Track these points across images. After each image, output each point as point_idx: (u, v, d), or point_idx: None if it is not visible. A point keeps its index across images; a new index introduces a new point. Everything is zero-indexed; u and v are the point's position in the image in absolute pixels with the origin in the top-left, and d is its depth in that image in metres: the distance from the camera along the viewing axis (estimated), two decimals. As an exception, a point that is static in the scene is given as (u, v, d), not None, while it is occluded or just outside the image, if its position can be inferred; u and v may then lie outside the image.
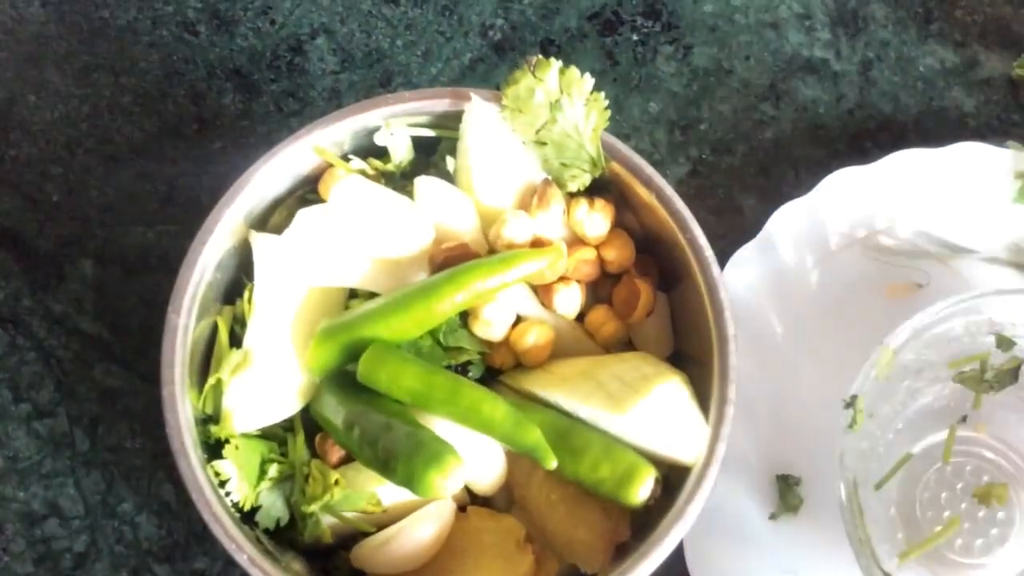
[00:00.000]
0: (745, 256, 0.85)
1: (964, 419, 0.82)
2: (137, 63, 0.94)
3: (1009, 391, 0.80)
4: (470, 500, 0.72)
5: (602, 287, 0.75)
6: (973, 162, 0.89)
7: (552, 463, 0.65)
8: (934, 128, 0.95)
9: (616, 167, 0.73)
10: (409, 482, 0.64)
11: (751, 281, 0.84)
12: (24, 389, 0.85)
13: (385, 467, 0.65)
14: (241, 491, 0.68)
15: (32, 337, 0.86)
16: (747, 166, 0.93)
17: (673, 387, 0.69)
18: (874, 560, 0.76)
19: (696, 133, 0.94)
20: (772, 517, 0.81)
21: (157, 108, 0.93)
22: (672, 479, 0.69)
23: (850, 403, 0.78)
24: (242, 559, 0.65)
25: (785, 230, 0.86)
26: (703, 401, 0.70)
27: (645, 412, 0.68)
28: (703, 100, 0.95)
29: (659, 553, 0.66)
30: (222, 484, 0.68)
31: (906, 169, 0.88)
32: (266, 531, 0.70)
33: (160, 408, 0.83)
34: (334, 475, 0.68)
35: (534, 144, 0.73)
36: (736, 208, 0.91)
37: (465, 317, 0.72)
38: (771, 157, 0.94)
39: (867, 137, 0.94)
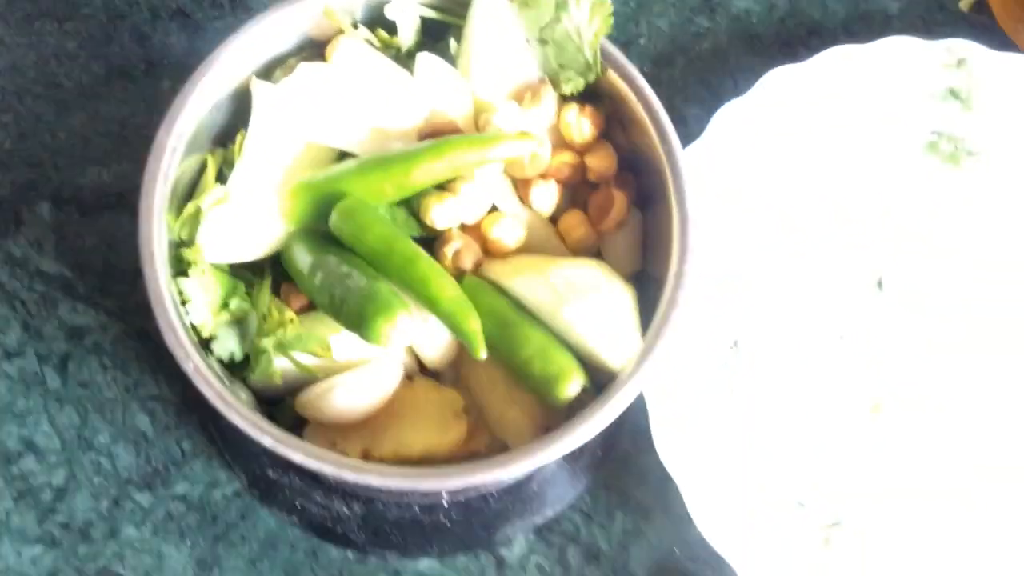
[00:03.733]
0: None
1: (841, 337, 0.86)
2: (79, 8, 0.94)
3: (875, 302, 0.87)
4: (419, 371, 0.73)
5: (580, 195, 0.77)
6: (903, 56, 0.92)
7: (481, 355, 0.66)
8: (862, 30, 0.98)
9: (612, 77, 0.74)
10: (358, 327, 0.65)
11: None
12: (-10, 333, 0.85)
13: (339, 312, 0.66)
14: (200, 315, 0.69)
15: (-6, 282, 0.86)
16: (687, 77, 0.96)
17: (617, 296, 0.71)
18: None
19: (636, 48, 0.96)
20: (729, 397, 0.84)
21: (103, 52, 0.93)
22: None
23: (734, 346, 0.84)
24: (188, 367, 0.65)
25: (727, 129, 0.89)
26: (651, 314, 0.71)
27: (582, 313, 0.69)
28: (641, 16, 0.97)
29: (581, 434, 0.66)
30: (183, 303, 0.68)
31: (839, 65, 0.92)
32: (220, 362, 0.71)
33: (129, 342, 0.86)
34: (290, 313, 0.69)
35: (537, 42, 0.74)
36: (680, 118, 0.93)
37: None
38: (709, 67, 0.96)
39: (799, 43, 0.97)
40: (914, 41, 0.92)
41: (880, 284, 0.88)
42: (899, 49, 0.92)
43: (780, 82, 0.91)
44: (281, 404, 0.72)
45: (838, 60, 0.92)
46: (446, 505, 0.80)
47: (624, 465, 0.85)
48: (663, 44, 0.97)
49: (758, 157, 0.90)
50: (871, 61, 0.92)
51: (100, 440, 0.83)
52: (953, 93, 0.92)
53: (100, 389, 0.84)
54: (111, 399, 0.84)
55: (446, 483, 0.64)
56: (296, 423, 0.71)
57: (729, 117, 0.90)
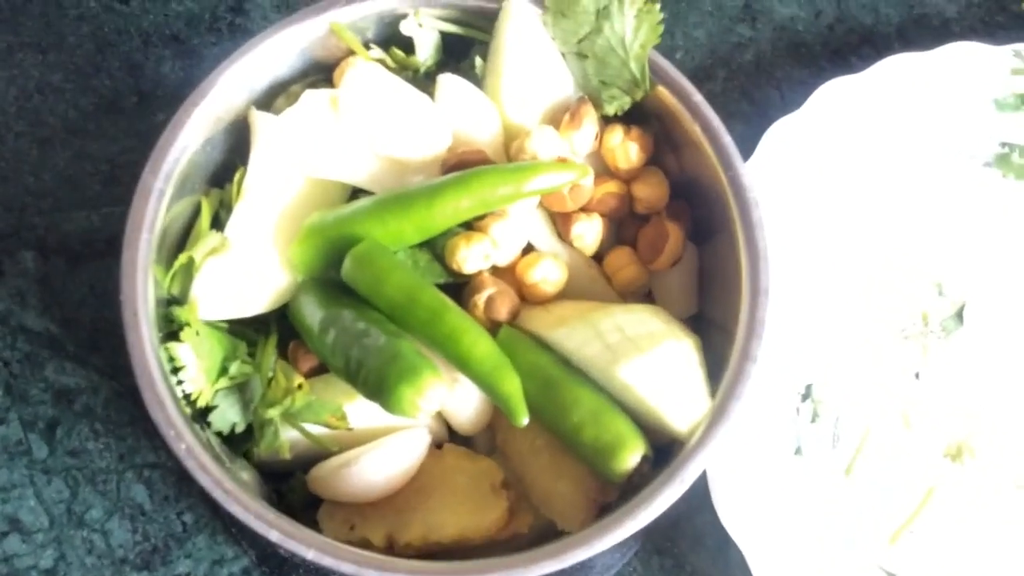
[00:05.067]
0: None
1: (917, 376, 0.79)
2: (65, 38, 0.88)
3: (957, 337, 0.80)
4: (448, 438, 0.66)
5: (627, 229, 0.69)
6: (965, 63, 0.85)
7: (523, 420, 0.59)
8: (917, 37, 0.91)
9: (662, 94, 0.67)
10: (379, 394, 0.58)
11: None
12: (-31, 398, 0.79)
13: (356, 377, 0.59)
14: (196, 383, 0.62)
15: (-27, 340, 0.80)
16: (729, 91, 0.90)
17: (681, 348, 0.63)
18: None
19: (672, 61, 0.88)
20: (797, 452, 0.76)
21: (91, 84, 0.87)
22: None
23: (807, 394, 0.76)
24: (180, 448, 0.58)
25: (778, 149, 0.82)
26: (721, 363, 0.63)
27: (642, 372, 0.61)
28: (676, 27, 0.91)
29: (644, 516, 0.59)
30: (175, 371, 0.61)
31: (897, 76, 0.85)
32: (219, 436, 0.64)
33: (123, 403, 0.78)
34: (298, 378, 0.62)
35: (574, 56, 0.68)
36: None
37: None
38: (753, 80, 0.90)
39: (850, 51, 0.91)
40: (977, 47, 0.86)
41: (960, 316, 0.80)
42: (962, 56, 0.86)
43: (834, 96, 0.84)
44: (291, 479, 0.65)
45: (896, 70, 0.85)
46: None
47: (677, 527, 0.77)
48: (702, 56, 0.90)
49: (813, 179, 0.82)
50: (932, 70, 0.85)
51: (92, 515, 0.77)
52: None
53: (92, 458, 0.78)
54: (104, 469, 0.78)
55: (489, 580, 0.56)
56: (309, 501, 0.64)
57: (780, 135, 0.82)
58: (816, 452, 0.77)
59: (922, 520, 0.75)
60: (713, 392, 0.61)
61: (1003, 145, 0.85)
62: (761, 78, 0.90)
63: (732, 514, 0.72)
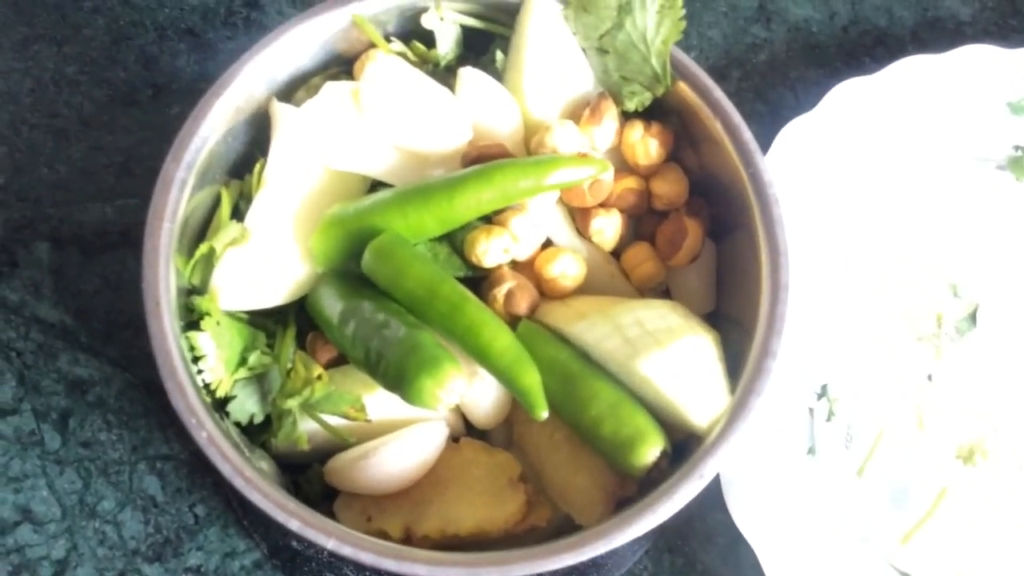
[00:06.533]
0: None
1: (930, 377, 0.79)
2: (80, 30, 0.87)
3: (970, 338, 0.79)
4: (465, 432, 0.66)
5: (646, 225, 0.69)
6: (979, 66, 0.85)
7: (542, 414, 0.58)
8: (932, 39, 0.91)
9: (682, 90, 0.67)
10: (399, 386, 0.57)
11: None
12: (-18, 388, 0.78)
13: (376, 368, 0.58)
14: (215, 373, 0.61)
15: (-13, 330, 0.79)
16: (744, 92, 0.89)
17: (700, 343, 0.62)
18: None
19: (687, 62, 0.89)
20: (809, 452, 0.76)
21: (106, 76, 0.86)
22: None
23: (822, 393, 0.76)
24: (201, 436, 0.57)
25: (791, 149, 0.81)
26: (741, 361, 0.63)
27: (662, 366, 0.61)
28: (691, 26, 0.90)
29: (663, 511, 0.58)
30: (195, 360, 0.61)
31: (911, 78, 0.84)
32: (237, 426, 0.63)
33: (136, 395, 0.78)
34: (318, 369, 0.61)
35: (595, 51, 0.67)
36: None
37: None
38: (767, 80, 0.90)
39: (864, 53, 0.91)
40: (991, 49, 0.85)
41: (973, 318, 0.79)
42: (976, 58, 0.85)
43: (848, 97, 0.84)
44: (308, 470, 0.64)
45: (910, 72, 0.85)
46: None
47: (688, 525, 0.77)
48: (716, 56, 0.90)
49: (826, 179, 0.82)
50: (946, 72, 0.85)
51: (104, 506, 0.76)
52: (1037, 104, 0.85)
53: (104, 449, 0.77)
54: (116, 460, 0.77)
55: (507, 572, 0.55)
56: (326, 492, 0.63)
57: (794, 136, 0.82)
58: (829, 452, 0.76)
59: (934, 520, 0.75)
60: (732, 388, 0.61)
61: (1016, 148, 0.85)
62: (775, 78, 0.89)
63: (745, 514, 0.72)
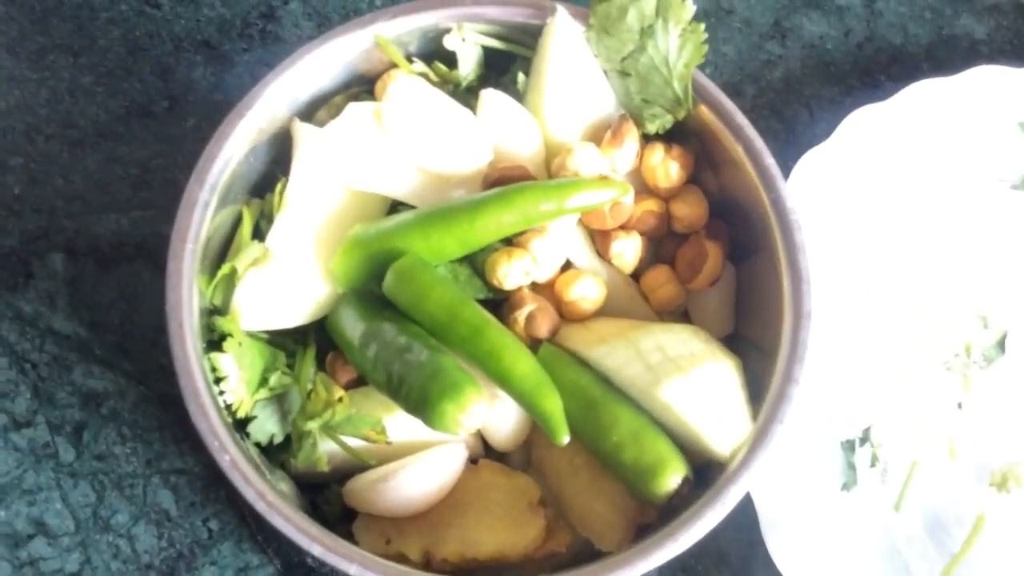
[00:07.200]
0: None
1: (960, 406, 0.78)
2: (96, 41, 0.87)
3: (997, 365, 0.79)
4: (484, 454, 0.66)
5: (666, 248, 0.69)
6: (991, 87, 0.84)
7: (563, 439, 0.58)
8: (947, 57, 0.91)
9: (703, 113, 0.66)
10: (421, 410, 0.57)
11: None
12: (-3, 399, 0.78)
13: (398, 392, 0.59)
14: (237, 394, 0.61)
15: (2, 342, 0.79)
16: (758, 109, 0.89)
17: (722, 370, 0.62)
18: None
19: (701, 79, 0.89)
20: (844, 487, 0.76)
21: (122, 87, 0.86)
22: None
23: (865, 438, 0.76)
24: (224, 460, 0.58)
25: (810, 180, 0.81)
26: (761, 386, 0.63)
27: (683, 393, 0.61)
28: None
29: (685, 539, 0.59)
30: (217, 381, 0.61)
31: (925, 101, 0.84)
32: (257, 446, 0.63)
33: (151, 408, 0.78)
34: (339, 391, 0.61)
35: (616, 74, 0.67)
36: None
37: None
38: (782, 98, 0.89)
39: (879, 71, 0.91)
40: (1004, 70, 0.85)
41: (1002, 345, 0.79)
42: (988, 79, 0.85)
43: (863, 124, 0.83)
44: (327, 491, 0.64)
45: (923, 95, 0.84)
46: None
47: (702, 544, 0.74)
48: (731, 73, 0.89)
49: (845, 208, 0.82)
50: (959, 94, 0.85)
51: (118, 520, 0.76)
52: (1052, 124, 0.85)
53: (118, 462, 0.77)
54: (130, 473, 0.77)
55: (528, 601, 0.55)
56: (345, 513, 0.63)
57: (811, 166, 0.82)
58: (866, 488, 0.76)
59: (974, 553, 0.75)
60: (754, 414, 0.61)
61: (1033, 169, 0.85)
62: (790, 96, 0.89)
63: (786, 555, 0.71)
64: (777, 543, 0.70)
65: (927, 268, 0.82)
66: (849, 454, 0.76)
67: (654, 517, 0.60)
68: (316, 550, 0.55)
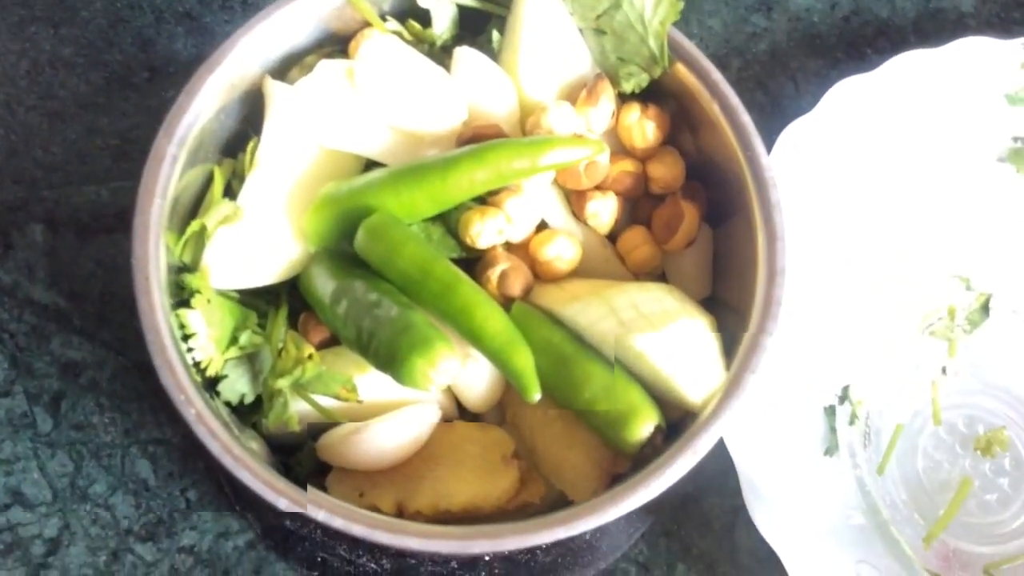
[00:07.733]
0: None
1: (944, 371, 0.78)
2: (78, 12, 0.87)
3: (981, 330, 0.79)
4: (458, 415, 0.65)
5: (642, 209, 0.68)
6: (976, 58, 0.84)
7: (535, 396, 0.58)
8: (933, 30, 0.91)
9: (681, 73, 0.66)
10: (390, 365, 0.57)
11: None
12: (-25, 370, 0.78)
13: (367, 348, 0.58)
14: (206, 351, 0.60)
15: (-20, 312, 0.79)
16: (744, 81, 0.89)
17: (695, 326, 0.62)
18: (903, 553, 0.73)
19: (686, 50, 0.88)
20: (827, 453, 0.75)
21: (103, 58, 0.86)
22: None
23: (844, 396, 0.75)
24: (189, 413, 0.57)
25: (795, 151, 0.80)
26: (734, 345, 0.62)
27: (656, 343, 0.60)
28: (691, 15, 0.90)
29: (656, 485, 0.57)
30: (186, 338, 0.60)
31: (910, 72, 0.83)
32: (228, 406, 0.62)
33: (129, 378, 0.77)
34: (309, 349, 0.60)
35: (592, 32, 0.66)
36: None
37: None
38: (768, 71, 0.89)
39: (865, 44, 0.90)
40: (988, 41, 0.84)
41: (986, 309, 0.79)
42: (973, 51, 0.84)
43: (848, 94, 0.82)
44: (298, 452, 0.64)
45: (908, 67, 0.84)
46: (488, 559, 0.70)
47: (684, 509, 0.76)
48: (716, 46, 0.89)
49: (829, 178, 0.81)
50: (944, 66, 0.84)
51: (96, 490, 0.76)
52: (1035, 95, 0.84)
53: (96, 432, 0.77)
54: (108, 443, 0.76)
55: (499, 545, 0.55)
56: (318, 468, 0.63)
57: (796, 137, 0.81)
58: (849, 452, 0.76)
59: (958, 516, 0.75)
60: (727, 367, 0.61)
61: (1016, 139, 0.84)
62: (776, 68, 0.89)
63: (768, 520, 0.70)
64: (760, 509, 0.69)
65: (912, 239, 0.81)
66: (831, 419, 0.75)
67: (627, 468, 0.60)
68: (282, 503, 0.54)
